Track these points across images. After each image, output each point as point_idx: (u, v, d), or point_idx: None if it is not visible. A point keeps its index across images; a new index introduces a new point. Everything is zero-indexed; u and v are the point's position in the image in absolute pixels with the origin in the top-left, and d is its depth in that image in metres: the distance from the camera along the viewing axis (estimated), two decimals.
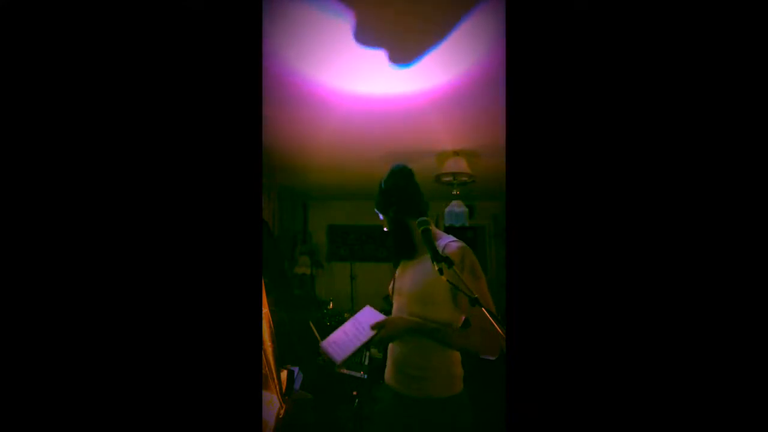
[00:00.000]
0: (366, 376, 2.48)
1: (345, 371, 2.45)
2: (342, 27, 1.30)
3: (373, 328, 1.13)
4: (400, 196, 1.25)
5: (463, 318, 1.17)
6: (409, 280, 1.22)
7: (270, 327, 1.50)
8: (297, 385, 1.95)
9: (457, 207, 2.85)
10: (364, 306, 1.28)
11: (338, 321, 3.09)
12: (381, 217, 1.33)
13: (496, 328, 0.86)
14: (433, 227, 1.16)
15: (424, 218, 1.17)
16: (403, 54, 1.47)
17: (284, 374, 1.60)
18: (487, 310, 0.90)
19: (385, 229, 1.32)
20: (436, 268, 0.99)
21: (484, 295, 1.05)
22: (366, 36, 1.35)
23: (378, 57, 1.48)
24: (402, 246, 1.27)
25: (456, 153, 2.65)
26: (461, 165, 2.59)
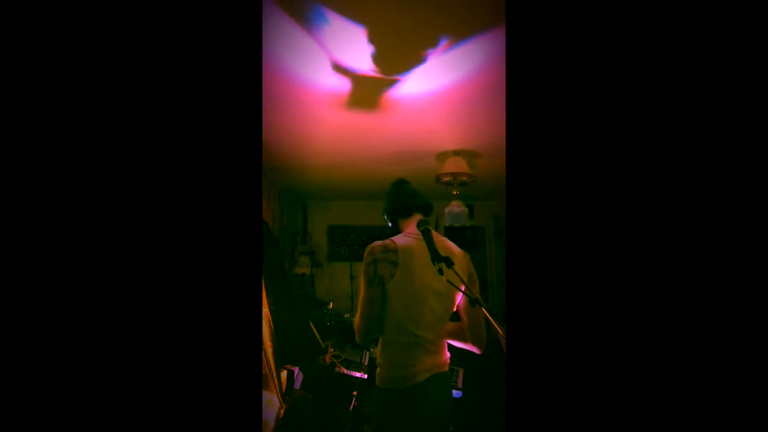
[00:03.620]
0: (366, 376, 2.48)
1: (345, 371, 2.45)
2: (343, 27, 1.30)
3: None
4: (390, 203, 1.46)
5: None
6: None
7: (270, 327, 1.50)
8: (297, 385, 1.95)
9: (457, 207, 2.85)
10: None
11: (338, 321, 3.09)
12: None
13: (494, 324, 0.87)
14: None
15: (424, 219, 1.17)
16: (404, 56, 1.47)
17: (284, 374, 1.60)
18: (486, 310, 0.90)
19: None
20: (436, 268, 0.99)
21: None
22: (367, 36, 1.35)
23: (378, 56, 1.48)
24: None
25: (456, 153, 2.65)
26: (461, 165, 2.59)
